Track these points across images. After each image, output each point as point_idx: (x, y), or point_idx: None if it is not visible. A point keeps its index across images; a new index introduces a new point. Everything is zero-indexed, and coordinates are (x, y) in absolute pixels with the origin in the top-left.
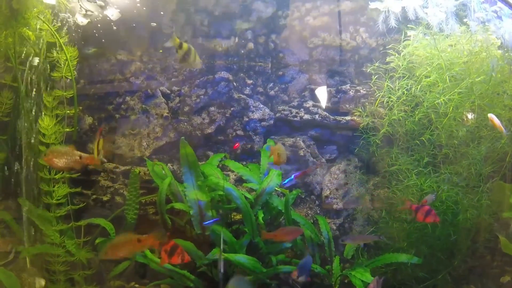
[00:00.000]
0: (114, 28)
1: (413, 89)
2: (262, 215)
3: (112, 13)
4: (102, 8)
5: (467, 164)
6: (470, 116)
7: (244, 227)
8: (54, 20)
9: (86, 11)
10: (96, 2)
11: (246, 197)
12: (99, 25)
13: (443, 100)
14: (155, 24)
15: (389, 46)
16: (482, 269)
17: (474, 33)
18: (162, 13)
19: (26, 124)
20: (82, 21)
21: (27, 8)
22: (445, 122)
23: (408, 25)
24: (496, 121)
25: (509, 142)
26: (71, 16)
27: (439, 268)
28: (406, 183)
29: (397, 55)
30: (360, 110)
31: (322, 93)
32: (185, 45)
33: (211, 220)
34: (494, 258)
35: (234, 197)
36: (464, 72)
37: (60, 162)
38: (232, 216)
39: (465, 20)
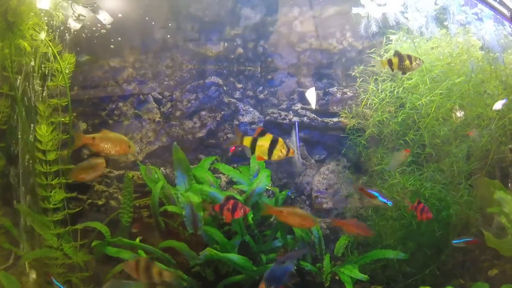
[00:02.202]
0: (107, 34)
1: (395, 91)
2: (252, 215)
3: (104, 18)
4: (94, 12)
5: (449, 162)
6: (459, 114)
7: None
8: (50, 30)
9: (79, 15)
10: (88, 7)
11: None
12: (92, 32)
13: (424, 101)
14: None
15: (373, 50)
16: (471, 263)
17: (454, 35)
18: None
19: (23, 132)
20: (74, 25)
21: (22, 20)
22: (428, 122)
23: (390, 30)
24: None
25: (491, 140)
26: (65, 24)
27: (427, 263)
28: (390, 182)
29: (379, 58)
30: (347, 111)
31: (310, 96)
32: (394, 59)
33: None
34: (483, 252)
35: (219, 199)
36: (444, 74)
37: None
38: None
39: (445, 23)
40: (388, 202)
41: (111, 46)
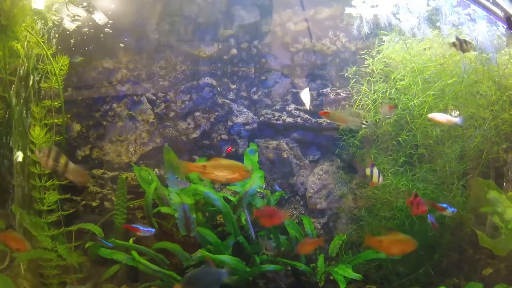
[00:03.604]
0: (101, 35)
1: (388, 92)
2: (245, 216)
3: (99, 18)
4: (89, 12)
5: (442, 162)
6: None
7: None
8: (43, 31)
9: (74, 15)
10: (83, 6)
11: (229, 200)
12: (86, 33)
13: (417, 102)
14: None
15: (365, 51)
16: (465, 262)
17: (446, 36)
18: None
19: (16, 133)
20: (69, 25)
21: (16, 22)
22: (420, 123)
23: (382, 31)
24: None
25: (484, 141)
26: (59, 25)
27: (421, 262)
28: (383, 182)
29: (372, 59)
30: None
31: (304, 97)
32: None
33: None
34: (477, 251)
35: (213, 199)
36: (436, 75)
37: None
38: (218, 219)
39: (438, 24)
40: (455, 210)
41: (105, 47)
